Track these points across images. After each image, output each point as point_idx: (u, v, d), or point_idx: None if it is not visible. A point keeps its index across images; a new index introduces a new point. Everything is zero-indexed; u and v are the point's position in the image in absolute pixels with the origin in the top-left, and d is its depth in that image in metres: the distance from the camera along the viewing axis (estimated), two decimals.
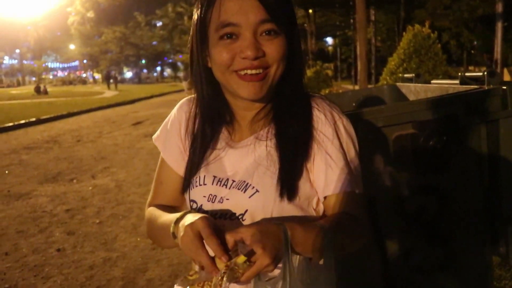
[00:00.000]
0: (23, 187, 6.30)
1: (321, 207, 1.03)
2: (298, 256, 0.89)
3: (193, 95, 1.12)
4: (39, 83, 40.31)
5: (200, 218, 0.85)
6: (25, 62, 72.18)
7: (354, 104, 2.88)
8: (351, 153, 1.03)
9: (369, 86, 14.27)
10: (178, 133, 1.15)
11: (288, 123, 1.01)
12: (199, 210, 1.06)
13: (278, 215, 0.97)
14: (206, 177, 1.06)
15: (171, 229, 0.94)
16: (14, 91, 42.52)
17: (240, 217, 1.00)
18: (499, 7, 17.62)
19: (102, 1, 61.58)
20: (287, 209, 0.98)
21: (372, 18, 26.19)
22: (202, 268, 0.85)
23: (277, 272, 0.84)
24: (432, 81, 2.69)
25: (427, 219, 1.77)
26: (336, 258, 0.90)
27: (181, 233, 0.86)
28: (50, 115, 15.90)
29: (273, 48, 0.94)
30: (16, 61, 77.24)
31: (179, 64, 69.31)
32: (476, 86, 1.96)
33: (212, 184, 1.05)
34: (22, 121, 14.06)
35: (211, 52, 0.98)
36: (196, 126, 1.11)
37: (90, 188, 6.13)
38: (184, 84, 36.18)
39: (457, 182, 1.80)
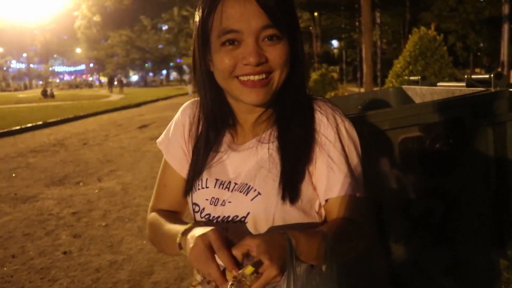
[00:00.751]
0: (29, 190, 6.33)
1: (323, 210, 1.03)
2: (301, 264, 0.89)
3: (196, 99, 1.13)
4: (46, 87, 40.50)
5: (212, 230, 0.84)
6: (32, 66, 72.67)
7: (359, 107, 2.88)
8: (353, 156, 1.02)
9: (375, 88, 14.25)
10: (182, 136, 1.15)
11: (290, 126, 1.01)
12: (201, 213, 1.06)
13: (280, 218, 0.97)
14: (208, 180, 1.06)
15: (178, 239, 0.93)
16: (21, 94, 42.79)
17: (242, 219, 0.99)
18: (506, 9, 17.58)
19: (109, 5, 61.84)
20: (289, 212, 0.98)
21: (378, 20, 26.17)
22: (208, 281, 0.84)
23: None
24: (438, 84, 2.68)
25: (434, 222, 1.76)
26: (339, 263, 0.89)
27: (190, 244, 0.85)
28: (57, 119, 15.98)
29: (275, 54, 0.94)
30: (23, 65, 77.72)
31: (184, 67, 69.49)
32: (482, 89, 1.95)
33: (215, 187, 1.05)
34: (29, 125, 14.14)
35: (213, 57, 0.97)
36: (199, 129, 1.11)
37: (96, 191, 6.15)
38: (189, 87, 36.38)
39: (464, 185, 1.79)
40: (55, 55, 77.15)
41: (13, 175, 7.39)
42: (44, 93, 33.57)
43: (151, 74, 79.84)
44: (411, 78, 3.10)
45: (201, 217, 1.06)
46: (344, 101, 3.01)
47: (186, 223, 0.99)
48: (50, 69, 74.01)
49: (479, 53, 33.34)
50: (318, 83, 14.25)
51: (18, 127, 13.55)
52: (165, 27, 68.26)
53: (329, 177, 0.99)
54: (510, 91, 1.77)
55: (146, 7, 66.03)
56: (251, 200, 0.99)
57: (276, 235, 0.83)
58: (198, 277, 0.89)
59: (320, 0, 27.74)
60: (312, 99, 1.06)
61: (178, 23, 61.91)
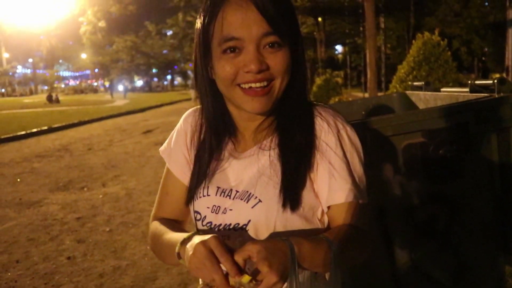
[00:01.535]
0: (34, 195, 6.35)
1: (326, 218, 1.02)
2: (304, 271, 0.88)
3: (198, 106, 1.13)
4: (51, 92, 40.77)
5: (213, 236, 0.83)
6: (38, 71, 73.12)
7: (363, 113, 2.88)
8: (356, 162, 1.01)
9: (379, 93, 14.24)
10: (184, 143, 1.15)
11: (290, 133, 1.01)
12: (203, 221, 1.05)
13: (282, 225, 0.97)
14: (209, 188, 1.06)
15: (177, 249, 0.92)
16: (26, 100, 43.04)
17: (243, 227, 0.99)
18: (510, 14, 17.54)
19: (114, 10, 62.24)
20: (291, 219, 0.97)
21: (382, 25, 26.17)
22: (211, 287, 0.84)
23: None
24: (441, 89, 2.67)
25: (438, 228, 1.75)
26: (342, 270, 0.89)
27: (189, 252, 0.84)
28: (62, 124, 16.06)
29: (277, 61, 0.93)
30: (29, 70, 78.25)
31: (189, 72, 69.63)
32: (486, 94, 1.95)
33: (216, 195, 1.04)
34: (34, 130, 14.21)
35: (214, 65, 0.97)
36: (201, 137, 1.11)
37: (101, 196, 6.16)
38: (192, 93, 36.44)
39: (468, 191, 1.78)
40: (60, 61, 77.63)
41: (18, 180, 7.42)
42: (50, 98, 33.77)
43: (155, 79, 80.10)
44: (415, 83, 3.10)
45: (203, 225, 1.06)
46: (348, 107, 3.01)
47: (186, 232, 0.99)
48: (56, 74, 74.35)
49: (484, 58, 33.26)
50: (322, 88, 14.23)
51: (23, 132, 13.61)
52: (169, 33, 68.53)
53: (331, 184, 0.98)
54: None
55: (151, 13, 66.47)
56: (252, 207, 0.98)
57: (278, 242, 0.82)
58: (201, 281, 0.88)
59: (324, 5, 27.78)
60: (313, 105, 1.05)
61: (182, 28, 62.15)
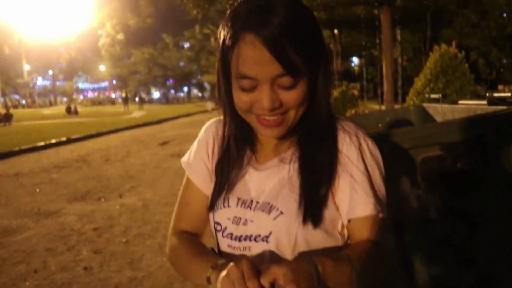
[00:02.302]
0: (52, 205, 6.43)
1: (346, 231, 1.02)
2: None
3: (220, 117, 1.13)
4: (70, 104, 41.43)
5: (246, 258, 0.83)
6: (57, 83, 74.52)
7: (380, 125, 2.87)
8: (376, 176, 1.01)
9: (396, 106, 14.14)
10: (205, 153, 1.15)
11: (312, 146, 1.01)
12: (223, 232, 1.05)
13: (303, 238, 0.97)
14: (230, 199, 1.06)
15: (208, 273, 0.92)
16: (46, 111, 43.81)
17: (264, 239, 0.99)
18: None
19: (132, 23, 63.27)
20: (312, 233, 0.97)
21: (398, 37, 26.07)
22: None
23: None
24: (459, 102, 2.65)
25: (456, 243, 1.73)
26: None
27: (223, 273, 0.82)
28: (80, 135, 16.30)
29: (290, 98, 0.93)
30: (48, 82, 79.74)
31: (205, 84, 70.24)
32: (505, 107, 1.93)
33: (237, 206, 1.04)
34: (53, 141, 14.45)
35: (232, 90, 0.97)
36: (222, 148, 1.11)
37: (118, 207, 6.21)
38: (209, 105, 36.66)
39: (487, 205, 1.76)
40: (79, 72, 78.98)
41: (37, 190, 7.53)
42: (68, 110, 34.33)
43: (172, 91, 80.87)
44: (432, 96, 3.09)
45: (223, 237, 1.06)
46: (365, 119, 3.00)
47: (213, 254, 1.01)
48: (74, 86, 75.64)
49: (502, 70, 32.88)
50: (338, 100, 14.21)
51: (42, 143, 13.83)
52: (186, 45, 69.37)
53: (352, 197, 0.98)
54: None
55: (168, 25, 67.35)
56: (274, 219, 0.98)
57: (302, 263, 0.82)
58: None
59: (341, 17, 27.81)
60: (335, 119, 1.05)
61: (199, 41, 62.88)
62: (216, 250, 1.10)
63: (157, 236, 4.87)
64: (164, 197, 6.64)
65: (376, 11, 16.60)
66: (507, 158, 1.73)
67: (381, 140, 1.62)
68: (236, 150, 1.09)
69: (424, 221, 1.72)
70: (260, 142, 1.09)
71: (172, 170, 8.75)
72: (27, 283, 3.81)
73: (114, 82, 76.28)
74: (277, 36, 0.87)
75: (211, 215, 1.10)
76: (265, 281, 0.79)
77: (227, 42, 0.94)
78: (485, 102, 2.20)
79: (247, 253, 1.01)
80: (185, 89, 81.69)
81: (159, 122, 24.65)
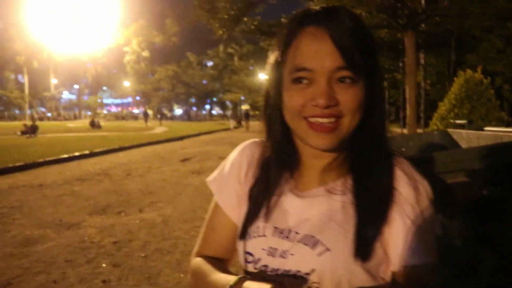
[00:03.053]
0: (73, 217, 6.51)
1: (388, 275, 0.92)
2: None
3: (256, 139, 1.09)
4: (94, 118, 42.24)
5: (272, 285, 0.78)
6: (83, 97, 76.25)
7: (403, 149, 2.85)
8: (431, 220, 0.93)
9: (418, 130, 14.01)
10: (237, 177, 1.07)
11: (367, 179, 0.93)
12: (256, 263, 0.96)
13: (346, 278, 0.88)
14: (266, 228, 0.96)
15: (232, 282, 0.87)
16: (70, 124, 44.74)
17: (305, 276, 0.89)
18: None
19: (157, 41, 64.69)
20: (357, 273, 0.88)
21: (422, 61, 25.96)
22: None
23: None
24: (485, 128, 2.63)
25: (481, 272, 1.70)
26: None
27: (250, 284, 0.80)
28: (103, 149, 16.51)
29: (347, 98, 0.87)
30: (74, 96, 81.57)
31: (227, 103, 70.84)
32: None
33: (273, 236, 0.94)
34: (76, 153, 14.68)
35: (283, 95, 0.92)
36: (258, 171, 1.03)
37: (137, 221, 6.26)
38: (231, 122, 36.91)
39: None
40: (104, 88, 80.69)
41: (59, 202, 7.64)
42: (92, 124, 35.03)
43: (194, 108, 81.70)
44: (457, 121, 3.06)
45: (255, 268, 0.96)
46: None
47: (233, 274, 0.94)
48: (99, 100, 77.14)
49: None
50: None
51: (66, 156, 14.07)
52: (210, 63, 70.27)
53: (407, 242, 0.90)
54: None
55: (192, 44, 68.57)
56: (319, 255, 0.89)
57: None
58: None
59: None
60: (392, 154, 0.97)
61: (223, 59, 63.64)
62: None
63: (176, 252, 4.88)
64: (184, 213, 6.67)
65: (400, 35, 16.60)
66: None
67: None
68: (276, 173, 1.00)
69: (448, 247, 1.70)
70: (304, 166, 1.00)
71: (192, 187, 8.79)
72: None
73: (137, 98, 77.53)
74: (340, 30, 0.86)
75: (240, 245, 1.00)
76: None
77: (284, 40, 0.91)
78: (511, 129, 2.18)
79: None
80: (207, 107, 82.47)
81: (181, 138, 24.84)
